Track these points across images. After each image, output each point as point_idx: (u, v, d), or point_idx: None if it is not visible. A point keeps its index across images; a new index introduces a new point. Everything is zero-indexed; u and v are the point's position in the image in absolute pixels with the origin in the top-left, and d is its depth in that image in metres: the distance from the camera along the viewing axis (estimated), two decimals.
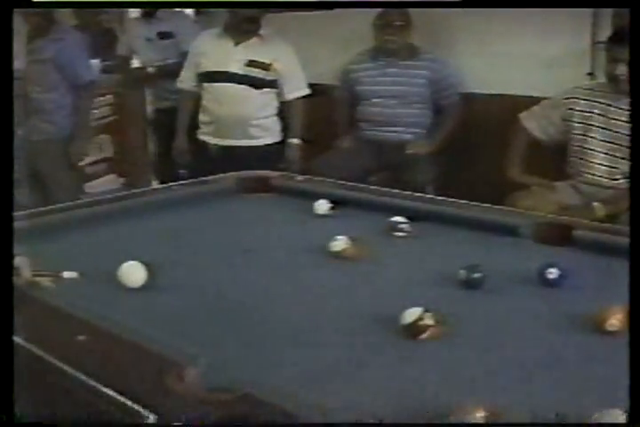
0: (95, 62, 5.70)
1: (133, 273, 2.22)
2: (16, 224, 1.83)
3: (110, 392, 1.51)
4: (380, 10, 4.71)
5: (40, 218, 2.77)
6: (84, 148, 4.96)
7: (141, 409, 1.44)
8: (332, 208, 2.93)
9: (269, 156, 4.63)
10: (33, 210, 2.93)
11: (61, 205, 3.08)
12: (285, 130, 4.84)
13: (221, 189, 3.26)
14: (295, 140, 4.80)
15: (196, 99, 4.87)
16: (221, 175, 3.40)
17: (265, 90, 4.72)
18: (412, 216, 2.75)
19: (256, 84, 4.68)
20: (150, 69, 5.68)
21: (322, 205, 2.93)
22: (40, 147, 4.68)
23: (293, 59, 4.76)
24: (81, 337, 1.76)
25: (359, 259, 2.44)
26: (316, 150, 4.82)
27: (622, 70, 3.67)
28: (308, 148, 4.81)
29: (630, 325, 1.59)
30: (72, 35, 4.83)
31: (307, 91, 4.81)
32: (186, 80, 4.92)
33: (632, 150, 1.88)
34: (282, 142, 4.82)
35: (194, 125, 4.91)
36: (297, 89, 4.79)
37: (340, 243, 2.47)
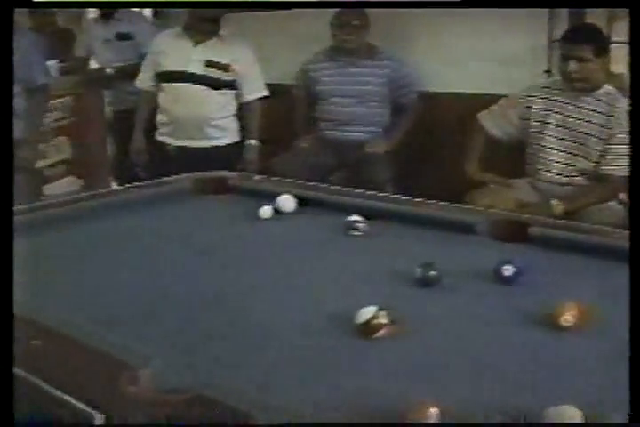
0: (53, 63, 5.66)
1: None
2: None
3: (59, 393, 1.50)
4: (337, 9, 4.71)
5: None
6: (35, 151, 4.91)
7: (90, 410, 1.43)
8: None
9: (227, 156, 4.61)
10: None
11: (19, 207, 3.06)
12: (243, 130, 4.83)
13: (179, 190, 3.24)
14: (253, 142, 4.77)
15: (154, 99, 4.85)
16: (179, 176, 3.38)
17: (223, 90, 4.70)
18: (369, 215, 2.75)
19: (214, 84, 4.66)
20: (109, 71, 5.65)
21: (266, 211, 2.91)
22: None
23: (252, 60, 4.75)
24: (34, 342, 1.74)
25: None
26: (274, 151, 4.83)
27: (573, 67, 3.69)
28: (266, 148, 4.80)
29: (630, 325, 1.59)
30: (26, 36, 4.77)
31: (265, 92, 4.79)
32: (144, 80, 4.89)
33: (632, 150, 1.90)
34: (240, 143, 4.80)
35: (152, 126, 4.88)
36: (255, 90, 4.77)
37: None
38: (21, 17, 5.51)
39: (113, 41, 5.62)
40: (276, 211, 2.94)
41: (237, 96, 4.77)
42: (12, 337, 1.66)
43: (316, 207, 3.00)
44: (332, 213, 2.87)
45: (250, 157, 4.75)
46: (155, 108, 4.85)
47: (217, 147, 4.74)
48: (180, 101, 4.67)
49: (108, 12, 5.60)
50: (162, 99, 4.78)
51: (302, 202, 3.01)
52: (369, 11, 4.71)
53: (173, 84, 4.70)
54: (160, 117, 4.83)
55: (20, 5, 2.01)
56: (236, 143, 4.81)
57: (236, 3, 4.31)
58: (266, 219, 2.89)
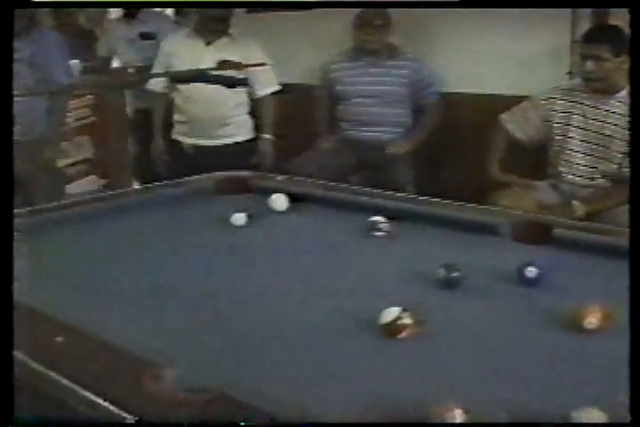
0: (75, 63, 5.67)
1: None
2: None
3: (87, 394, 1.50)
4: (359, 10, 4.71)
5: (20, 220, 2.76)
6: (56, 151, 4.94)
7: (119, 411, 1.44)
8: None
9: (243, 153, 4.68)
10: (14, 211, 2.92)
11: (41, 206, 3.07)
12: (258, 127, 4.88)
13: (200, 190, 3.25)
14: (267, 136, 4.83)
15: (169, 100, 4.90)
16: (200, 176, 3.39)
17: (237, 88, 4.76)
18: (392, 216, 2.75)
19: (229, 83, 4.71)
20: (130, 70, 5.67)
21: (239, 219, 2.87)
22: (17, 148, 4.64)
23: (262, 56, 4.75)
24: (59, 338, 1.75)
25: None
26: (290, 147, 4.83)
27: (591, 67, 3.68)
28: (281, 144, 4.84)
29: (630, 325, 1.58)
30: (49, 36, 4.79)
31: (277, 86, 4.85)
32: (157, 82, 4.92)
33: (632, 150, 1.89)
34: (255, 140, 4.86)
35: (169, 126, 4.92)
36: (268, 85, 4.83)
37: None
38: (44, 16, 5.52)
39: (136, 40, 5.64)
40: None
41: (250, 93, 4.82)
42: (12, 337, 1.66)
43: (336, 208, 3.00)
44: (355, 214, 2.87)
45: (264, 150, 4.81)
46: (170, 109, 4.88)
47: (233, 144, 4.80)
48: (197, 101, 4.69)
49: (131, 12, 5.62)
50: (177, 99, 4.81)
51: (323, 202, 3.01)
52: (391, 11, 4.70)
53: (188, 84, 4.71)
54: (176, 117, 4.87)
55: (20, 5, 2.01)
56: (252, 140, 4.86)
57: (254, 3, 4.33)
58: (239, 226, 2.84)
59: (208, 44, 4.74)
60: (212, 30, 4.72)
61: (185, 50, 4.77)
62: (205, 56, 4.70)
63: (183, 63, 4.72)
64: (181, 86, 4.76)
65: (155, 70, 4.93)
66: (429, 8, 4.10)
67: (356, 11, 4.73)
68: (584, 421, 1.40)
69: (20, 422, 1.58)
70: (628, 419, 1.42)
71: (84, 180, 6.04)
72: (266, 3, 4.57)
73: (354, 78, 4.91)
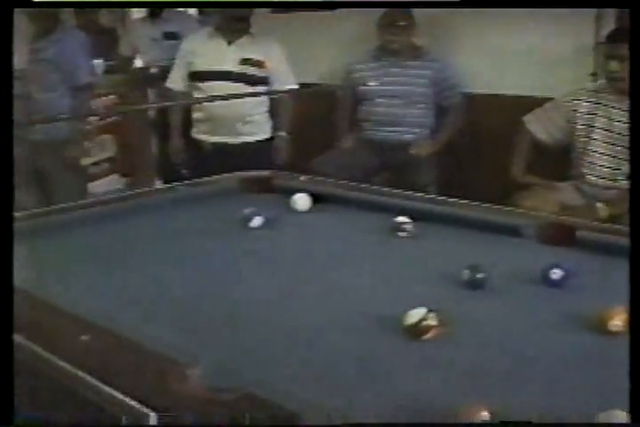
0: (98, 62, 5.70)
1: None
2: (19, 224, 1.83)
3: (113, 392, 1.51)
4: (384, 10, 4.71)
5: (44, 218, 2.78)
6: (79, 150, 4.96)
7: (144, 409, 1.44)
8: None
9: (263, 151, 4.74)
10: (37, 210, 2.95)
11: (65, 205, 3.09)
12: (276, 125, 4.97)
13: (224, 190, 3.26)
14: (283, 134, 4.91)
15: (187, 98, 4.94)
16: (224, 175, 3.40)
17: (258, 87, 4.79)
18: (416, 216, 2.75)
19: (251, 81, 4.76)
20: (153, 70, 5.69)
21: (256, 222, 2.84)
22: (40, 147, 4.68)
23: (282, 55, 4.85)
24: (84, 337, 1.76)
25: None
26: (310, 146, 4.89)
27: (614, 67, 3.67)
28: (300, 142, 4.92)
29: (630, 325, 1.58)
30: (73, 35, 4.82)
31: (295, 85, 4.90)
32: (176, 80, 4.95)
33: (632, 150, 1.88)
34: (272, 139, 4.93)
35: (188, 124, 4.94)
36: (287, 84, 4.87)
37: None
38: (67, 16, 5.55)
39: (160, 40, 5.66)
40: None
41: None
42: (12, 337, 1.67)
43: (359, 208, 3.00)
44: (378, 215, 2.86)
45: (280, 148, 4.87)
46: (188, 107, 4.90)
47: (253, 142, 4.83)
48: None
49: (155, 11, 5.65)
50: (198, 97, 4.83)
51: (346, 202, 3.01)
52: (414, 11, 4.70)
53: (210, 83, 4.73)
54: (196, 115, 4.88)
55: (20, 5, 2.02)
56: (272, 138, 4.92)
57: (286, 3, 4.35)
58: (256, 228, 2.82)
59: (230, 43, 4.80)
60: (234, 30, 4.78)
61: (207, 49, 4.82)
62: (227, 55, 4.76)
63: (205, 62, 4.78)
64: (202, 84, 4.78)
65: (175, 69, 4.96)
66: (429, 8, 4.10)
67: (380, 11, 4.74)
68: (611, 422, 1.40)
69: (20, 422, 1.59)
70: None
71: (106, 178, 6.07)
72: (288, 3, 4.59)
73: (377, 78, 4.91)
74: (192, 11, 6.19)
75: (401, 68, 4.87)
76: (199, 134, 4.92)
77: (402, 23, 4.74)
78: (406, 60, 4.85)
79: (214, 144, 4.85)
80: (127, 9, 6.39)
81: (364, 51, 5.02)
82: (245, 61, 4.74)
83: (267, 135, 4.93)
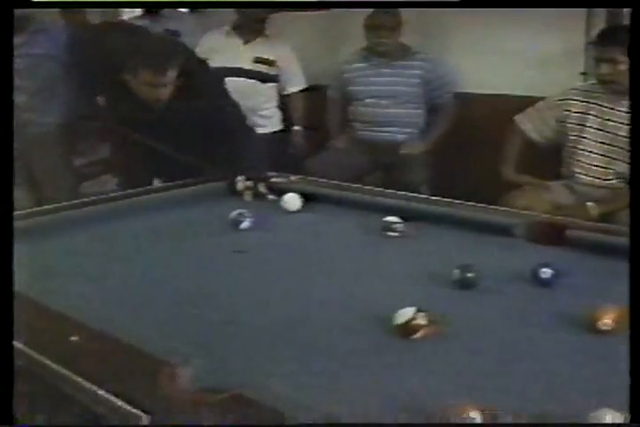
0: None
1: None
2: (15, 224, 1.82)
3: (103, 393, 1.51)
4: (370, 11, 4.71)
5: (37, 218, 2.78)
6: (73, 149, 4.95)
7: (134, 410, 1.44)
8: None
9: (272, 142, 5.00)
10: (30, 210, 2.94)
11: (57, 205, 3.09)
12: (286, 120, 5.30)
13: (216, 189, 3.27)
14: (297, 128, 5.24)
15: None
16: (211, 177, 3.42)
17: (270, 84, 5.13)
18: (406, 216, 2.75)
19: (263, 78, 5.09)
20: None
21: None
22: (33, 144, 4.62)
23: (293, 56, 5.19)
24: (74, 338, 1.76)
25: None
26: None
27: (606, 70, 3.67)
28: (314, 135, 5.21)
29: (630, 325, 1.58)
30: (65, 32, 4.77)
31: (305, 85, 5.25)
32: None
33: (632, 150, 1.88)
34: (282, 131, 5.27)
35: None
36: (297, 83, 5.23)
37: None
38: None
39: None
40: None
41: (280, 89, 5.22)
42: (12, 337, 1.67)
43: (350, 208, 3.01)
44: (368, 214, 2.87)
45: (296, 141, 5.22)
46: None
47: (264, 134, 4.96)
48: (233, 94, 4.74)
49: (152, 10, 5.67)
50: None
51: (336, 202, 3.03)
52: (404, 10, 4.69)
53: (227, 79, 4.78)
54: None
55: (19, 5, 2.02)
56: (280, 131, 5.27)
57: (281, 3, 4.35)
58: (246, 229, 2.83)
59: (246, 42, 5.12)
60: (251, 30, 5.10)
61: (223, 47, 5.08)
62: (242, 54, 5.07)
63: (221, 59, 4.89)
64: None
65: None
66: (430, 8, 4.10)
67: (367, 13, 4.74)
68: (601, 421, 1.40)
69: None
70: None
71: (100, 178, 6.03)
72: (278, 3, 4.59)
73: (366, 79, 4.92)
74: (183, 9, 6.17)
75: (390, 69, 4.86)
76: None
77: (388, 25, 4.73)
78: (396, 60, 4.85)
79: None
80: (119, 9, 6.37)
81: (354, 51, 5.02)
82: (258, 60, 5.06)
83: (277, 128, 5.24)
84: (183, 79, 3.41)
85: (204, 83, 3.65)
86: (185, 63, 3.42)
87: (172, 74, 3.35)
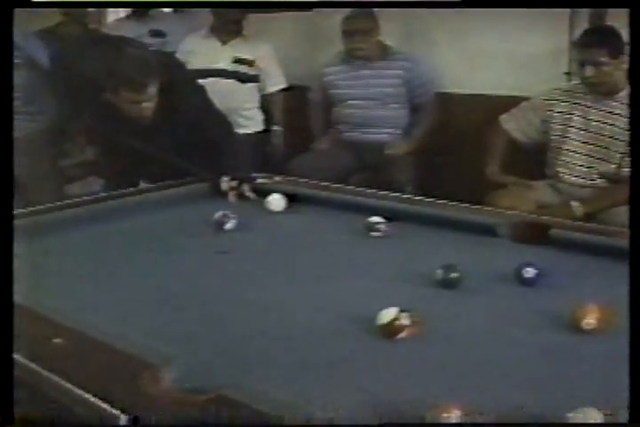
0: None
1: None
2: None
3: (83, 394, 1.50)
4: (345, 14, 4.70)
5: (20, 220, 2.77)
6: (58, 150, 4.94)
7: (114, 411, 1.44)
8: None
9: (254, 143, 4.99)
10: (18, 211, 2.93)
11: (41, 206, 3.07)
12: (267, 120, 5.29)
13: (200, 190, 3.27)
14: (276, 127, 5.25)
15: None
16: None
17: (250, 84, 5.13)
18: (390, 216, 2.75)
19: (242, 78, 5.10)
20: None
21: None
22: (18, 146, 4.60)
23: (272, 56, 5.19)
24: (57, 340, 1.75)
25: None
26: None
27: (590, 72, 3.68)
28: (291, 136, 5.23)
29: (630, 325, 1.58)
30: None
31: (285, 84, 5.24)
32: None
33: (632, 151, 1.89)
34: (265, 131, 5.27)
35: None
36: (277, 83, 5.22)
37: None
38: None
39: (145, 38, 5.62)
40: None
41: (260, 89, 5.21)
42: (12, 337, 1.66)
43: (334, 208, 3.01)
44: (353, 215, 2.87)
45: (276, 141, 5.24)
46: None
47: (245, 135, 4.94)
48: (213, 95, 4.74)
49: (141, 10, 5.66)
50: None
51: (320, 203, 3.03)
52: (382, 11, 4.67)
53: (206, 79, 4.77)
54: None
55: (19, 5, 2.01)
56: (262, 131, 5.26)
57: (265, 3, 4.35)
58: (230, 230, 2.82)
59: (224, 43, 5.14)
60: (228, 31, 5.12)
61: (202, 48, 5.10)
62: (221, 54, 5.10)
63: (200, 60, 4.95)
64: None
65: None
66: (429, 8, 4.10)
67: (343, 16, 4.73)
68: (581, 421, 1.40)
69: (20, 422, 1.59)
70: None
71: (85, 180, 6.01)
72: (262, 3, 4.58)
73: (347, 82, 4.91)
74: (166, 9, 6.16)
75: (370, 70, 4.85)
76: None
77: (363, 28, 4.72)
78: (374, 61, 4.84)
79: None
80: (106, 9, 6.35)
81: (333, 54, 5.01)
82: (237, 60, 5.08)
83: (258, 128, 5.23)
84: (165, 89, 3.37)
85: (184, 88, 3.63)
86: (164, 73, 3.38)
87: (152, 89, 3.30)
